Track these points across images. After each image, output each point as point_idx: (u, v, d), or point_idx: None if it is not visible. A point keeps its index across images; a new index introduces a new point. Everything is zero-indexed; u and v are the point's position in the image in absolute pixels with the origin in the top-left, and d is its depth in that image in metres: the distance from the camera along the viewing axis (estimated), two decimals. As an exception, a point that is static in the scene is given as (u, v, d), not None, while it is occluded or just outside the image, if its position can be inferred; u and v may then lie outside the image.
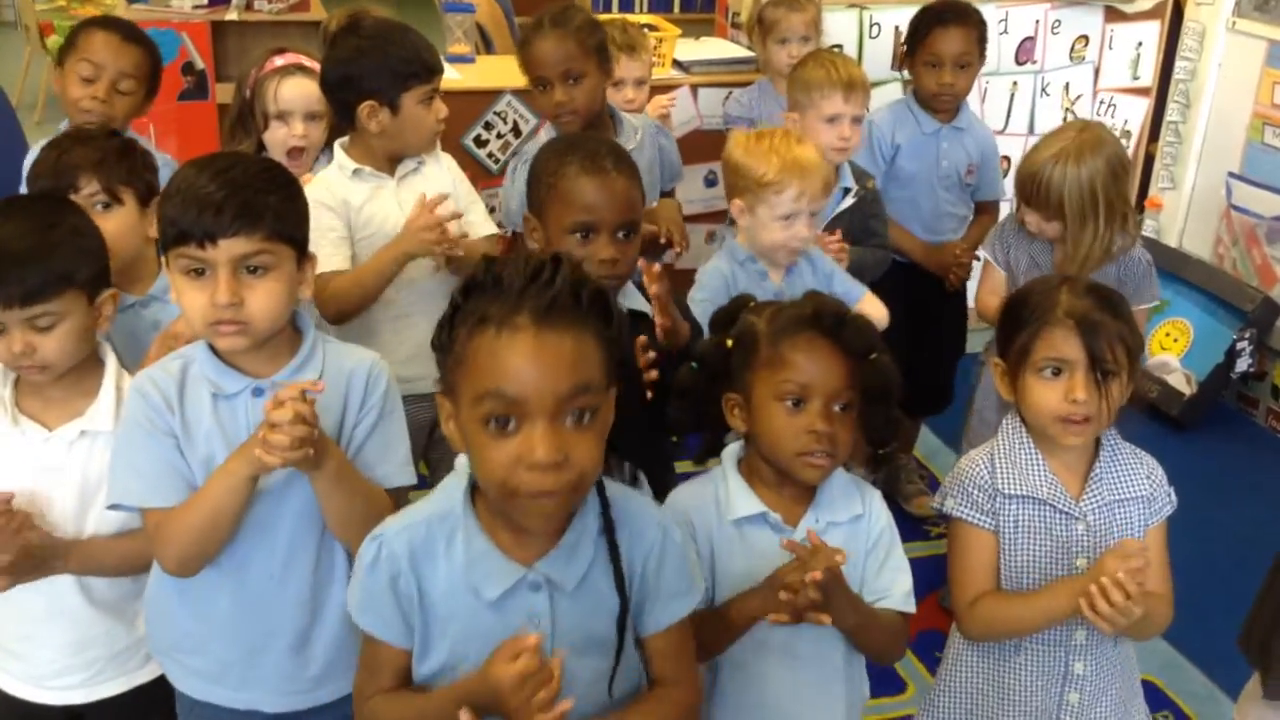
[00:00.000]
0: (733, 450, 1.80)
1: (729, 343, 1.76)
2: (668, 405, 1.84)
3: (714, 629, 1.68)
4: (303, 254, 1.71)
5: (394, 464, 1.78)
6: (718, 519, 1.74)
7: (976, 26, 3.31)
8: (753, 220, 2.51)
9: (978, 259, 3.12)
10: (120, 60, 2.69)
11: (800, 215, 2.48)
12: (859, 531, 1.75)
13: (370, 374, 1.76)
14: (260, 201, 1.63)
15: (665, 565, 1.49)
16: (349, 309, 2.45)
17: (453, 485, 1.47)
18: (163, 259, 1.69)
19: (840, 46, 3.87)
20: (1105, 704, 1.96)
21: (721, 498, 1.75)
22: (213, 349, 1.71)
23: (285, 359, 1.72)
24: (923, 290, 3.32)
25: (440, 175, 2.61)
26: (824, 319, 1.69)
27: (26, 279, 1.71)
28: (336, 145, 2.56)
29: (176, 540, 1.67)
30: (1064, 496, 1.89)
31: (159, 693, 1.89)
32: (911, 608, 1.77)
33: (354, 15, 3.26)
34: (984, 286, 2.93)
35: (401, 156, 2.55)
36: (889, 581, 1.75)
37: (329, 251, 2.40)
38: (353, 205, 2.49)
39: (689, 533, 1.67)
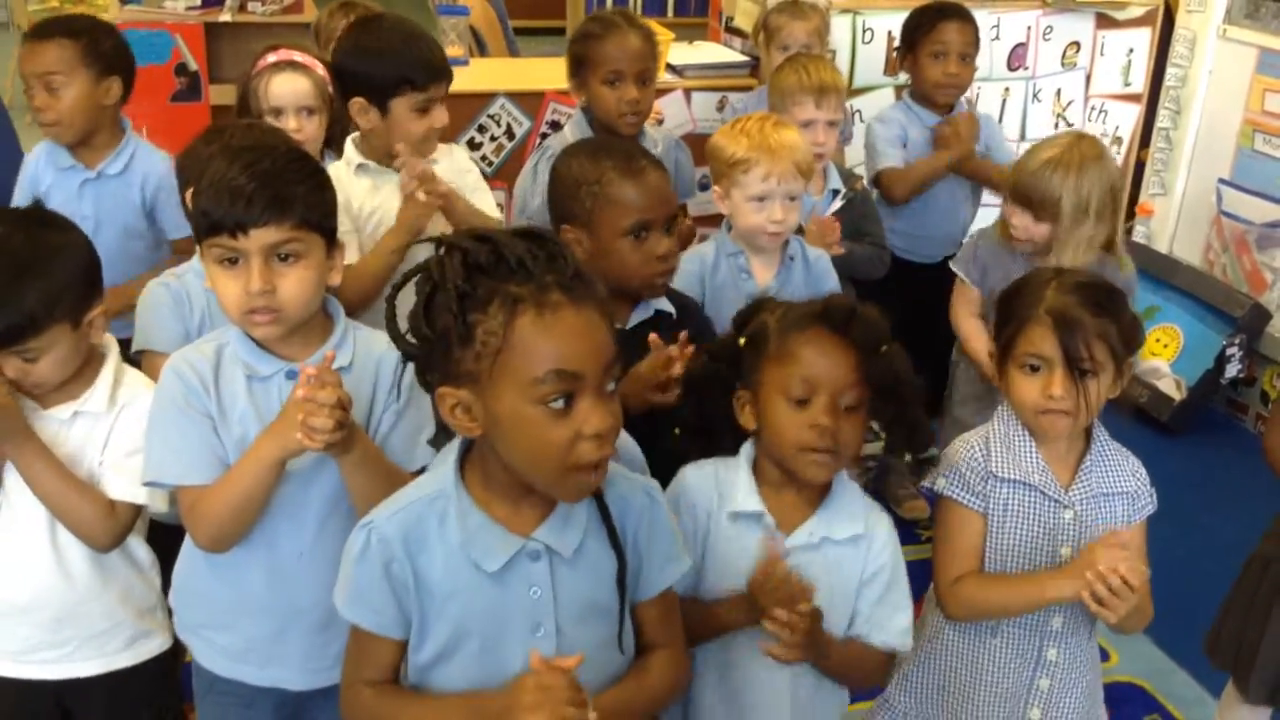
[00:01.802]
0: (750, 446, 1.79)
1: (741, 341, 1.76)
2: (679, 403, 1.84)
3: (700, 622, 1.70)
4: (331, 241, 1.75)
5: (421, 447, 1.80)
6: (717, 506, 1.74)
7: (974, 24, 3.39)
8: (730, 205, 2.50)
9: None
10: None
11: (773, 197, 2.43)
12: (855, 554, 1.73)
13: (399, 359, 1.78)
14: (290, 191, 1.67)
15: (655, 531, 1.53)
16: (355, 301, 2.42)
17: (439, 470, 1.49)
18: (197, 247, 1.74)
19: (834, 52, 3.88)
20: (1074, 697, 1.98)
21: (726, 487, 1.74)
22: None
23: (317, 344, 1.76)
24: (921, 290, 3.33)
25: (446, 173, 2.59)
26: (834, 314, 1.69)
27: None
28: (349, 140, 2.58)
29: (211, 518, 1.71)
30: (1054, 484, 1.91)
31: (146, 679, 1.92)
32: (907, 645, 1.76)
33: (354, 9, 3.28)
34: (959, 306, 2.95)
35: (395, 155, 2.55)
36: (886, 618, 1.73)
37: None
38: (355, 200, 2.50)
39: (690, 511, 1.70)
